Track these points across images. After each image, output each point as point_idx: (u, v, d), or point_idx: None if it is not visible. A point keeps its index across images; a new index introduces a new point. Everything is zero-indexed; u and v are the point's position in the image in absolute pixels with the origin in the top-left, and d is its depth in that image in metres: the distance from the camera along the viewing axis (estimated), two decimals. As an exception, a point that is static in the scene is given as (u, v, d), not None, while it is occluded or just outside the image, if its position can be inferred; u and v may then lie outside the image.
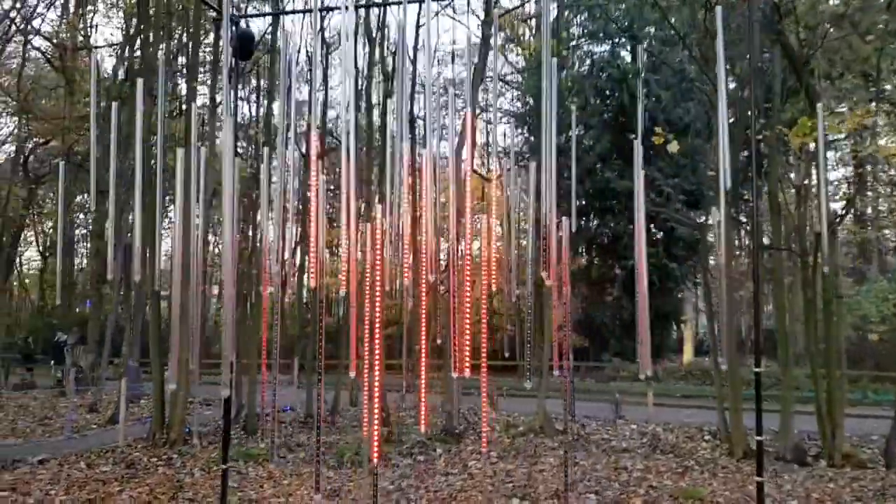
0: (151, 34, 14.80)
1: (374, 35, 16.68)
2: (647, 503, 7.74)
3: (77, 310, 26.19)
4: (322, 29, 16.03)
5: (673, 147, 10.88)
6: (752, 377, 5.04)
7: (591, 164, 22.77)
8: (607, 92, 24.08)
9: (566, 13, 22.87)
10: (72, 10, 23.71)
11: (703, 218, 21.78)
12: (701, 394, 19.93)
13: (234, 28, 6.67)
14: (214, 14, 7.64)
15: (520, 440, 12.47)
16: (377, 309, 4.81)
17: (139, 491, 8.01)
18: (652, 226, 22.35)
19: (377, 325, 4.88)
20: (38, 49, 31.22)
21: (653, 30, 20.29)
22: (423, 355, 5.09)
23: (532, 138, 24.62)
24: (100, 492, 7.89)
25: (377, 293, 4.83)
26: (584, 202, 23.79)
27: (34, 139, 32.40)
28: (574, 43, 23.58)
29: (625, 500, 7.87)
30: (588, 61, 24.55)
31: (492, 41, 12.93)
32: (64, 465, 9.88)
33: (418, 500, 8.05)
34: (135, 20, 18.65)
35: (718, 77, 5.00)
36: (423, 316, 5.38)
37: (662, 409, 16.25)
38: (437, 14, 16.96)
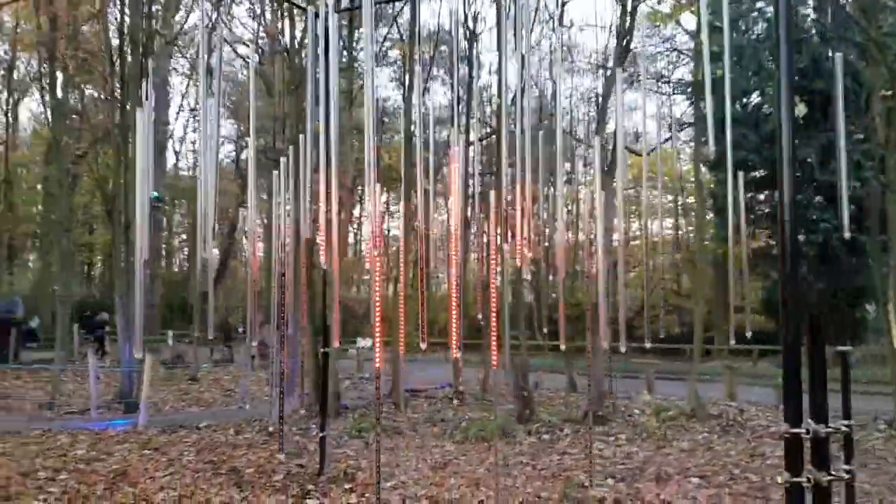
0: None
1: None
2: (753, 489, 7.24)
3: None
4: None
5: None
6: None
7: (768, 133, 21.12)
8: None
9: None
10: (269, 18, 25.70)
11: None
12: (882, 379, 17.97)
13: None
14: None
15: (670, 424, 12.03)
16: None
17: (259, 455, 8.67)
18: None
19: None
20: (242, 57, 34.01)
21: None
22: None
23: (703, 108, 23.28)
24: (226, 455, 8.63)
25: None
26: (763, 172, 22.17)
27: (245, 139, 35.44)
28: (745, 5, 21.99)
29: (731, 485, 7.41)
30: (762, 22, 22.76)
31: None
32: (217, 431, 10.90)
33: (518, 475, 8.04)
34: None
35: None
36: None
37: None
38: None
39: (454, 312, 6.26)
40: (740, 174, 7.59)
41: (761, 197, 24.30)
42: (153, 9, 19.31)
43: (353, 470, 8.05)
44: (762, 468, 8.47)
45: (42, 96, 25.83)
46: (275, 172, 8.51)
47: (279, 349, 10.36)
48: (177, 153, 44.30)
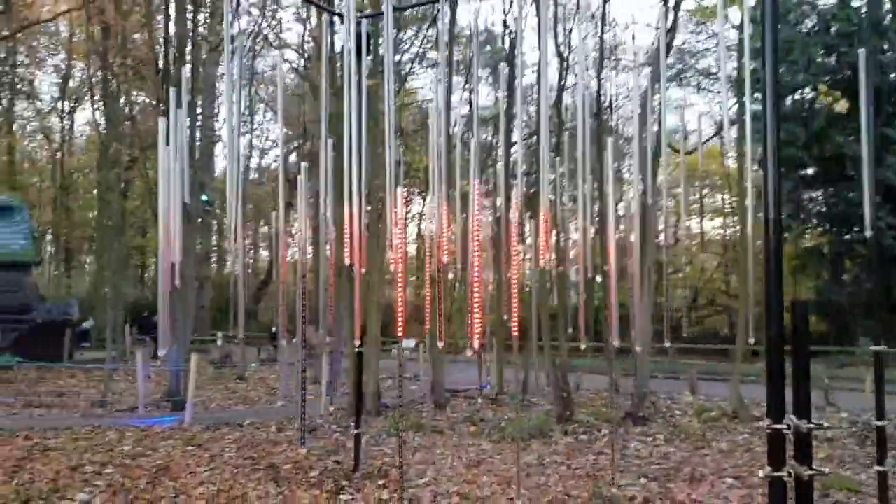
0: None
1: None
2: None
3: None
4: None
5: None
6: None
7: (819, 129, 20.71)
8: (837, 48, 21.70)
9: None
10: (314, 22, 26.18)
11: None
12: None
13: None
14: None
15: (711, 425, 11.93)
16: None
17: (298, 452, 8.87)
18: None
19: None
20: (287, 61, 34.55)
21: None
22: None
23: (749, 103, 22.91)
24: (265, 451, 8.85)
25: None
26: (813, 170, 21.75)
27: (292, 143, 36.13)
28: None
29: (764, 486, 7.34)
30: (813, 16, 22.31)
31: None
32: (259, 429, 11.16)
33: (552, 474, 8.09)
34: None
35: None
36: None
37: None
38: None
39: (478, 310, 6.34)
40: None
41: (813, 194, 23.81)
42: (199, 17, 19.84)
43: (388, 467, 8.18)
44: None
45: (93, 104, 26.63)
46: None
47: (302, 347, 10.54)
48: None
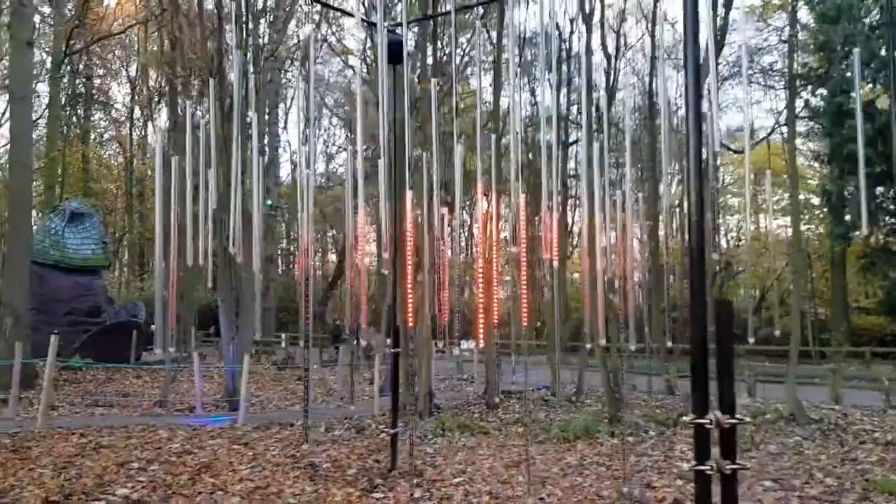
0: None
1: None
2: (826, 493, 6.95)
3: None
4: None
5: None
6: None
7: (882, 125, 19.86)
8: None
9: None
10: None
11: None
12: None
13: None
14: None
15: (767, 428, 11.62)
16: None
17: (340, 451, 9.01)
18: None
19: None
20: (351, 67, 35.14)
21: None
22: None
23: (813, 98, 22.22)
24: (308, 450, 9.03)
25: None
26: (881, 168, 20.89)
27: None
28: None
29: (804, 488, 7.14)
30: (875, 10, 21.44)
31: None
32: (309, 428, 11.37)
33: (590, 474, 8.03)
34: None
35: None
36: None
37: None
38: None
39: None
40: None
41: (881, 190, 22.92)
42: (261, 26, 20.31)
43: (426, 467, 8.26)
44: (848, 473, 8.12)
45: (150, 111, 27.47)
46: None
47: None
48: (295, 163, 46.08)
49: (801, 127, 26.84)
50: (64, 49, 28.47)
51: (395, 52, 7.62)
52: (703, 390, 2.64)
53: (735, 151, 26.37)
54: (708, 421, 2.63)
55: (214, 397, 15.41)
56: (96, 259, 22.16)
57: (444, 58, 19.81)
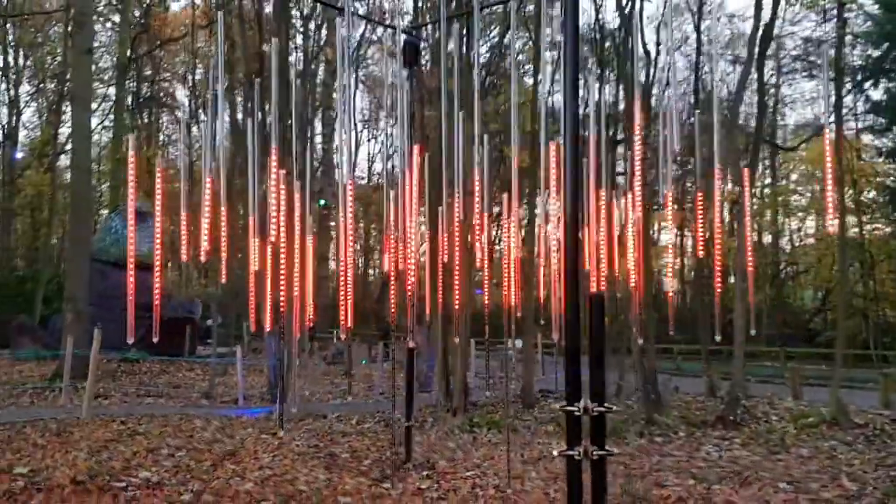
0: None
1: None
2: (841, 496, 6.86)
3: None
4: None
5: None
6: None
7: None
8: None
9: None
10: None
11: None
12: None
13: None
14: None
15: (808, 432, 11.41)
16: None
17: (363, 443, 9.26)
18: None
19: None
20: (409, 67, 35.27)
21: None
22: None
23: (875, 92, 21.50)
24: (332, 440, 9.30)
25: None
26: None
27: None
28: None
29: (819, 492, 7.04)
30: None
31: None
32: (342, 420, 11.68)
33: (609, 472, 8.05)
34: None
35: None
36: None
37: None
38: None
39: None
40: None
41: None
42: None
43: (442, 460, 8.42)
44: (878, 479, 7.95)
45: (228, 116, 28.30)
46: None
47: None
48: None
49: (863, 122, 26.08)
50: (129, 54, 29.59)
51: (411, 54, 7.83)
52: (575, 382, 2.77)
53: (786, 149, 25.73)
54: (576, 409, 2.75)
55: (261, 390, 15.87)
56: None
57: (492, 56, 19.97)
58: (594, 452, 2.82)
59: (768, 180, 31.73)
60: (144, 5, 31.68)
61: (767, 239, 32.62)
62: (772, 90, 32.25)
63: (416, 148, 7.95)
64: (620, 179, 16.75)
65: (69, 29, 20.44)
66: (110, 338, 18.93)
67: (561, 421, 12.43)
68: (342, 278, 7.67)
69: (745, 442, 10.14)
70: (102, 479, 6.68)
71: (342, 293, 7.63)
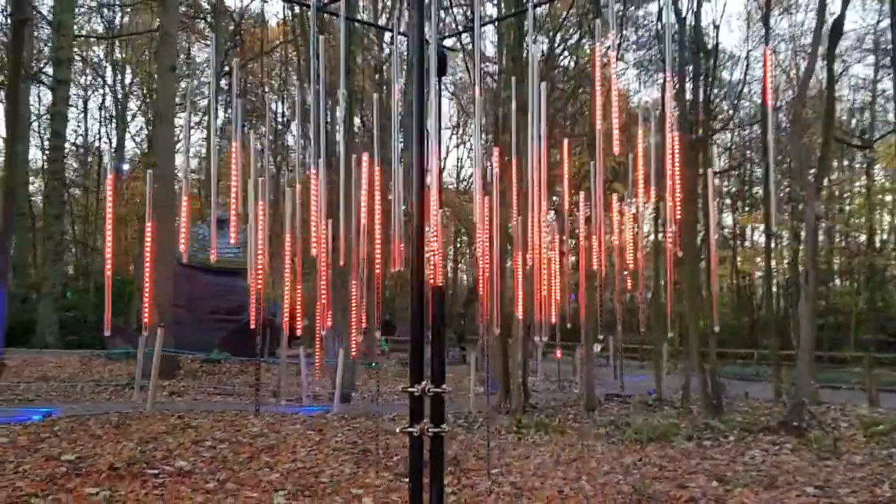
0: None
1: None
2: (867, 502, 6.60)
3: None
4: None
5: None
6: None
7: None
8: None
9: None
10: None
11: None
12: None
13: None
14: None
15: (878, 440, 10.92)
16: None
17: (400, 441, 9.47)
18: None
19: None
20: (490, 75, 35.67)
21: None
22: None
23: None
24: (369, 438, 9.56)
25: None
26: None
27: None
28: None
29: (844, 497, 6.79)
30: None
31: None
32: (393, 420, 11.97)
33: (636, 475, 8.01)
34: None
35: None
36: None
37: None
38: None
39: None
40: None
41: None
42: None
43: (474, 458, 8.55)
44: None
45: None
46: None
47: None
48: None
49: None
50: (220, 69, 30.99)
51: (441, 63, 8.00)
52: (418, 371, 2.96)
53: (857, 147, 24.37)
54: (416, 390, 2.97)
55: (325, 389, 16.36)
56: (238, 262, 23.99)
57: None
58: (430, 430, 3.05)
59: (863, 179, 30.26)
60: (233, 24, 33.09)
61: (862, 238, 31.07)
62: (870, 85, 30.82)
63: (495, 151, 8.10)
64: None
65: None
66: (194, 339, 20.01)
67: (619, 423, 12.42)
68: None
69: (797, 447, 9.81)
70: (139, 467, 7.13)
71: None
